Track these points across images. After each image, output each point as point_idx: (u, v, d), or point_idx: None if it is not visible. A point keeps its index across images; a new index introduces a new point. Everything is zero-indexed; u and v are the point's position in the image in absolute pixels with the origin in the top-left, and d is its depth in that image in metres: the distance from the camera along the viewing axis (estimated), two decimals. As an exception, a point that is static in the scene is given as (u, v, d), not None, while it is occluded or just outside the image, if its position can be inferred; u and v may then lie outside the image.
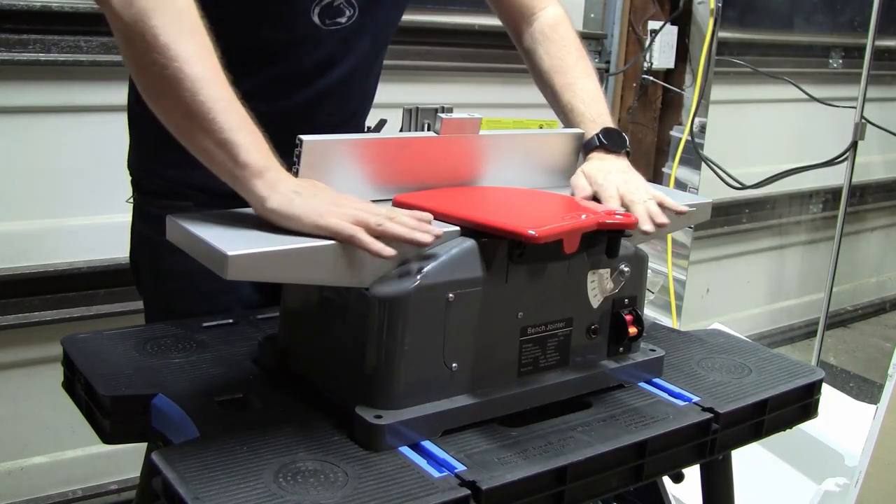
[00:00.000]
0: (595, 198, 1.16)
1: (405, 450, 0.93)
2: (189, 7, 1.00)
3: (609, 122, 1.28)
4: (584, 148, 1.27)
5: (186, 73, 0.96)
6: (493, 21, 1.47)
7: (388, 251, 0.91)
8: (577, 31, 1.40)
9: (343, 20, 1.25)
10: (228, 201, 1.01)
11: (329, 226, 0.92)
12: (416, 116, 1.40)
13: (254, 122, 1.00)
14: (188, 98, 0.96)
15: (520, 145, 1.21)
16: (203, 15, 1.02)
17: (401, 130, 1.38)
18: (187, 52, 0.97)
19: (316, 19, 1.23)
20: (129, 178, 1.36)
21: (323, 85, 1.28)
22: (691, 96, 2.94)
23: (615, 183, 1.16)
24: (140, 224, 1.35)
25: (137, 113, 1.31)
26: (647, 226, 1.09)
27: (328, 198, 0.96)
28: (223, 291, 1.27)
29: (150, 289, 1.37)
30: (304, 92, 1.28)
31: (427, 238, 0.93)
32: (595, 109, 1.30)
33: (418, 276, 0.92)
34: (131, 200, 1.36)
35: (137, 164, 1.34)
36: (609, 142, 1.25)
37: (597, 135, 1.26)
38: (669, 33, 2.96)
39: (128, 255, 1.40)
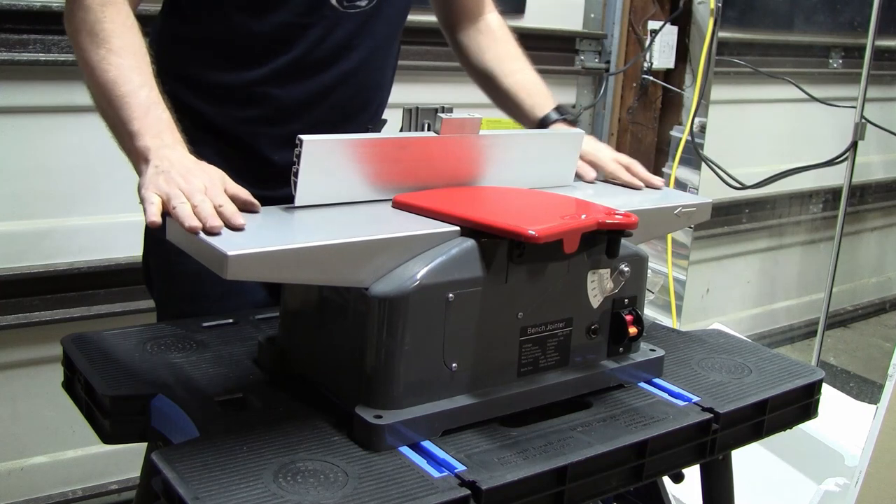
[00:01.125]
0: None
1: (405, 450, 0.93)
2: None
3: (553, 102, 1.41)
4: (541, 124, 1.38)
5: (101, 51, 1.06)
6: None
7: (157, 221, 0.94)
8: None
9: (363, 3, 1.25)
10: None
11: (143, 196, 0.97)
12: (416, 116, 1.40)
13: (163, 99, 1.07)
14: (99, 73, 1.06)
15: (520, 145, 1.21)
16: (213, 1, 1.04)
17: (401, 130, 1.39)
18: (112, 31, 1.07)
19: (334, 1, 1.23)
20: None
21: (340, 70, 1.28)
22: (691, 96, 2.94)
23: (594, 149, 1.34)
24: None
25: None
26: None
27: (175, 171, 0.98)
28: (233, 294, 1.27)
29: (161, 291, 1.37)
30: (321, 77, 1.27)
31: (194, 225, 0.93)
32: (541, 91, 1.43)
33: (418, 276, 0.92)
34: None
35: None
36: (566, 114, 1.38)
37: (555, 109, 1.38)
38: (669, 33, 2.96)
39: (129, 255, 1.40)
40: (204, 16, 1.14)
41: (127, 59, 1.08)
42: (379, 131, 1.42)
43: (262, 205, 1.00)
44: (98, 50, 1.08)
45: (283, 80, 1.25)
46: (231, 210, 0.94)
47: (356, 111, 1.34)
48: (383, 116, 1.45)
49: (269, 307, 1.30)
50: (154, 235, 1.34)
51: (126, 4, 1.12)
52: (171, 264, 1.31)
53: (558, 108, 1.39)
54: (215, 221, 0.91)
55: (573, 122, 1.38)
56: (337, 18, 1.25)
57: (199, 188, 0.96)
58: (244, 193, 0.99)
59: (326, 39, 1.25)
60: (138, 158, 1.04)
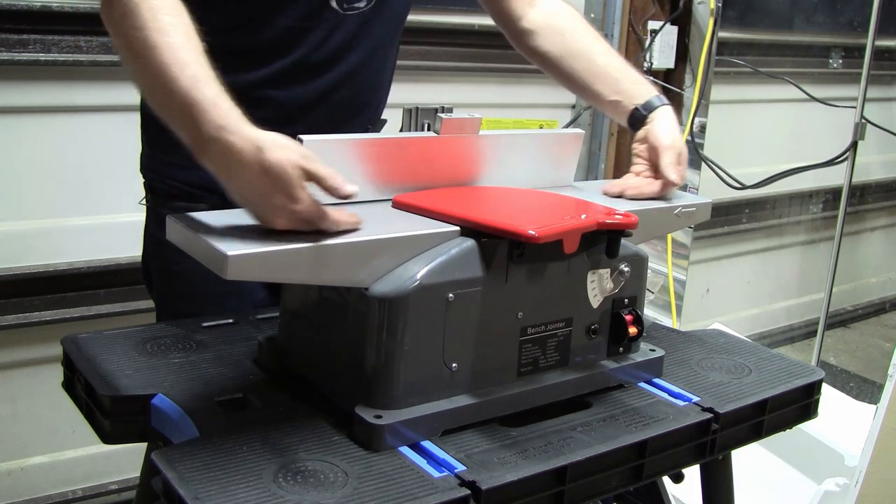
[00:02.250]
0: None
1: (405, 450, 0.93)
2: None
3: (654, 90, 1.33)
4: (646, 108, 1.29)
5: (155, 40, 0.97)
6: (492, 21, 1.47)
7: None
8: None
9: (362, 4, 1.25)
10: None
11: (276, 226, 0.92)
12: (416, 116, 1.40)
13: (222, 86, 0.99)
14: (152, 58, 0.97)
15: (520, 145, 1.21)
16: (218, 8, 1.02)
17: (401, 130, 1.39)
18: (162, 21, 0.98)
19: (334, 3, 1.23)
20: (143, 180, 1.36)
21: (340, 71, 1.28)
22: (691, 96, 2.94)
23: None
24: (153, 226, 1.35)
25: (150, 115, 1.31)
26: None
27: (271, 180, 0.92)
28: (233, 294, 1.27)
29: (161, 291, 1.37)
30: (322, 79, 1.27)
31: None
32: (638, 77, 1.34)
33: (418, 276, 0.92)
34: (144, 202, 1.36)
35: (150, 166, 1.35)
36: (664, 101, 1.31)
37: (657, 95, 1.31)
38: (669, 33, 2.96)
39: (129, 255, 1.41)
40: (206, 21, 1.15)
41: (175, 37, 1.00)
42: (379, 131, 1.43)
43: None
44: (140, 33, 1.00)
45: (284, 82, 1.25)
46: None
47: (356, 112, 1.34)
48: (383, 117, 1.45)
49: (269, 307, 1.30)
50: (154, 236, 1.34)
51: None
52: (170, 264, 1.31)
53: (659, 96, 1.31)
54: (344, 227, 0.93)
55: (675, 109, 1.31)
56: (337, 21, 1.25)
57: (307, 207, 0.92)
58: (325, 172, 0.94)
59: (327, 42, 1.25)
60: (202, 147, 0.97)
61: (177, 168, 1.28)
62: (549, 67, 1.41)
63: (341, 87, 1.30)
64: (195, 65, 0.97)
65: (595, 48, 1.37)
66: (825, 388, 1.26)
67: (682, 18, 2.99)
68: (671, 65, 3.01)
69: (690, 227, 2.91)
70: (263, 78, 1.24)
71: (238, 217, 0.98)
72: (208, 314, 1.26)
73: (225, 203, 1.10)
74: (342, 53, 1.27)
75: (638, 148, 1.29)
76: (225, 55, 1.10)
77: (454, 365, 0.96)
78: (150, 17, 0.99)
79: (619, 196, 1.23)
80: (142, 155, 1.36)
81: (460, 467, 0.89)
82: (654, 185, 1.23)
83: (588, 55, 1.36)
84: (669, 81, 3.05)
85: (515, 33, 1.44)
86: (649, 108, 1.29)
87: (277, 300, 1.29)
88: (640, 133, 1.28)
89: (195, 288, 1.29)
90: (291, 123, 1.12)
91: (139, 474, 1.30)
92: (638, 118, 1.29)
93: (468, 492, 0.85)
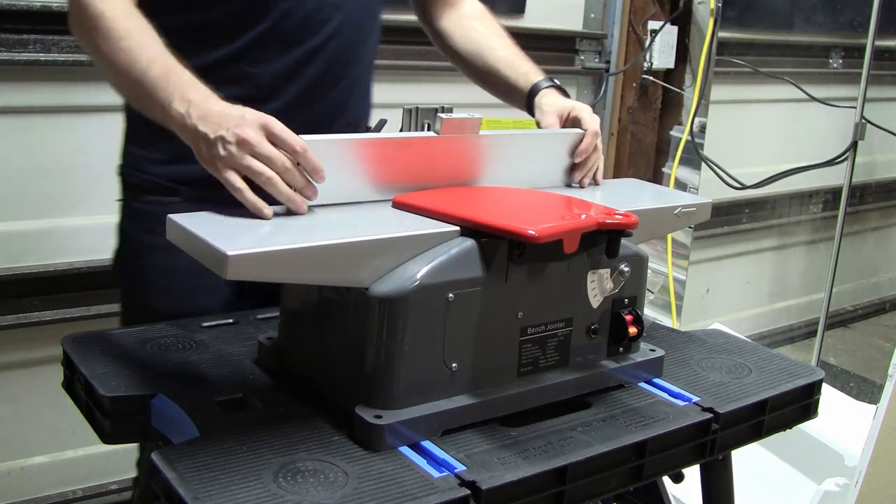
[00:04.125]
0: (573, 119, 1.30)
1: (405, 450, 0.93)
2: None
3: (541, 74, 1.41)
4: (531, 93, 1.38)
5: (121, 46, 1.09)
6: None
7: (268, 212, 0.98)
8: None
9: None
10: (214, 193, 1.02)
11: (223, 176, 0.99)
12: (416, 116, 1.40)
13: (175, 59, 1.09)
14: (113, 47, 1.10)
15: (520, 145, 1.21)
16: None
17: (401, 130, 1.38)
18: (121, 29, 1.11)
19: None
20: (119, 179, 1.36)
21: (310, 45, 1.27)
22: (691, 96, 2.94)
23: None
24: (125, 221, 1.37)
25: (131, 114, 1.32)
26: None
27: (230, 130, 0.99)
28: (202, 291, 1.27)
29: (129, 286, 1.38)
30: (293, 53, 1.26)
31: (301, 208, 0.99)
32: (528, 64, 1.43)
33: (418, 276, 0.92)
34: (121, 199, 1.37)
35: (127, 162, 1.36)
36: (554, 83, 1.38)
37: (548, 77, 1.39)
38: (669, 33, 2.96)
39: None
40: (165, 2, 1.17)
41: (133, 40, 1.09)
42: (379, 131, 1.42)
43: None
44: (106, 43, 1.10)
45: (254, 56, 1.24)
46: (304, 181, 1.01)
47: (329, 87, 1.32)
48: (383, 117, 1.45)
49: (249, 309, 1.28)
50: (125, 231, 1.35)
51: None
52: (141, 258, 1.32)
53: (548, 78, 1.38)
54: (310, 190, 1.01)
55: (562, 90, 1.37)
56: None
57: (268, 155, 0.99)
58: (290, 136, 1.00)
59: (293, 13, 1.24)
60: (178, 128, 1.05)
61: (150, 162, 1.30)
62: (463, 66, 1.50)
63: (313, 60, 1.28)
64: (162, 57, 1.08)
65: (496, 43, 1.46)
66: (825, 388, 1.26)
67: (682, 18, 2.99)
68: (671, 65, 3.01)
69: (690, 227, 2.91)
70: (233, 53, 1.23)
71: (238, 217, 0.98)
72: (177, 311, 1.25)
73: (198, 194, 1.13)
74: (311, 25, 1.26)
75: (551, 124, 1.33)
76: (192, 34, 1.12)
77: (454, 365, 0.96)
78: (113, 26, 1.09)
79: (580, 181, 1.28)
80: (121, 153, 1.37)
81: (460, 467, 0.89)
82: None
83: (491, 51, 1.45)
84: (669, 81, 3.05)
85: (434, 33, 1.52)
86: (537, 88, 1.37)
87: (251, 300, 1.29)
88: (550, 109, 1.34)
89: (164, 283, 1.29)
90: (268, 100, 1.13)
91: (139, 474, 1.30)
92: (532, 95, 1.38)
93: (468, 492, 0.85)
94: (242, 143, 0.99)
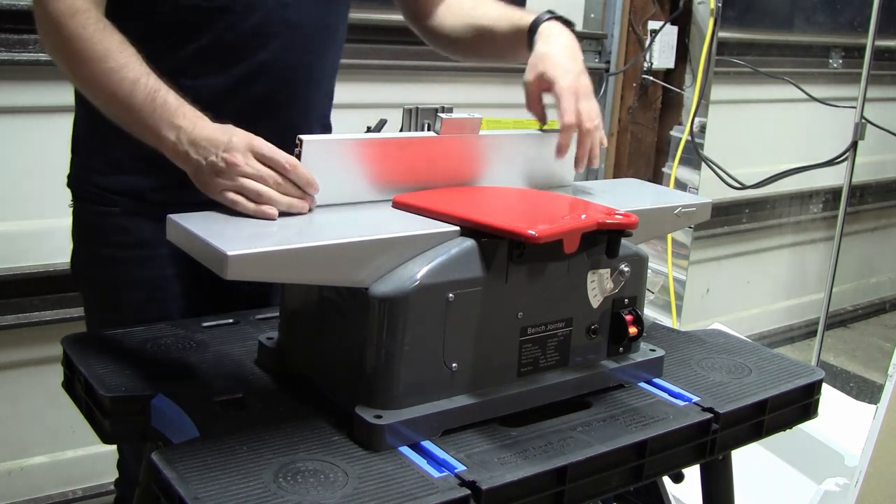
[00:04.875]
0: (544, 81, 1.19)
1: (405, 450, 0.93)
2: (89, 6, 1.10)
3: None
4: (531, 29, 1.26)
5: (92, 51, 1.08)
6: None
7: (273, 212, 0.99)
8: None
9: None
10: (154, 207, 1.02)
11: (220, 199, 1.00)
12: (416, 116, 1.40)
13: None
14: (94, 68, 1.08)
15: (520, 145, 1.21)
16: None
17: (401, 130, 1.38)
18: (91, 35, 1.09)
19: None
20: (68, 187, 1.36)
21: (257, 60, 1.22)
22: (691, 96, 2.94)
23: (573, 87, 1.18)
24: (76, 230, 1.36)
25: (77, 123, 1.32)
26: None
27: (219, 155, 1.01)
28: (149, 302, 1.28)
29: (84, 294, 1.38)
30: (237, 68, 1.22)
31: (272, 213, 0.99)
32: (521, 11, 1.32)
33: (418, 276, 0.92)
34: (71, 205, 1.36)
35: (72, 172, 1.36)
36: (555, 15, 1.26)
37: (547, 10, 1.27)
38: (669, 33, 2.96)
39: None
40: (112, 8, 1.14)
41: (114, 60, 1.08)
42: (379, 131, 1.42)
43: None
44: (86, 67, 1.09)
45: (196, 70, 1.20)
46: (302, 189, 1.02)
47: (277, 106, 1.27)
48: (383, 117, 1.45)
49: (205, 316, 1.26)
50: (77, 239, 1.34)
51: (94, 9, 1.10)
52: (91, 269, 1.33)
53: (547, 11, 1.27)
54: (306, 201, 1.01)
55: (568, 23, 1.27)
56: (248, 3, 1.19)
57: (256, 173, 1.00)
58: (278, 154, 1.01)
59: (237, 25, 1.19)
60: (172, 156, 1.06)
61: (92, 172, 1.30)
62: (462, 48, 1.42)
63: (258, 77, 1.23)
64: (144, 78, 1.08)
65: (487, 6, 1.37)
66: (825, 387, 1.26)
67: (682, 18, 2.99)
68: (671, 65, 3.01)
69: (690, 227, 2.91)
70: (173, 66, 1.16)
71: (238, 217, 0.98)
72: (125, 321, 1.23)
73: (138, 207, 1.19)
74: (255, 39, 1.21)
75: (529, 84, 1.23)
76: (137, 42, 1.11)
77: (454, 365, 0.96)
78: (88, 49, 1.08)
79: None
80: (69, 163, 1.36)
81: (460, 467, 0.89)
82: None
83: (483, 15, 1.37)
84: (669, 81, 3.05)
85: (426, 31, 1.46)
86: (537, 23, 1.26)
87: (213, 307, 1.28)
88: (532, 59, 1.23)
89: (110, 295, 1.30)
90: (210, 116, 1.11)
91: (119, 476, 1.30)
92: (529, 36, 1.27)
93: (468, 492, 0.85)
94: (233, 167, 1.00)
